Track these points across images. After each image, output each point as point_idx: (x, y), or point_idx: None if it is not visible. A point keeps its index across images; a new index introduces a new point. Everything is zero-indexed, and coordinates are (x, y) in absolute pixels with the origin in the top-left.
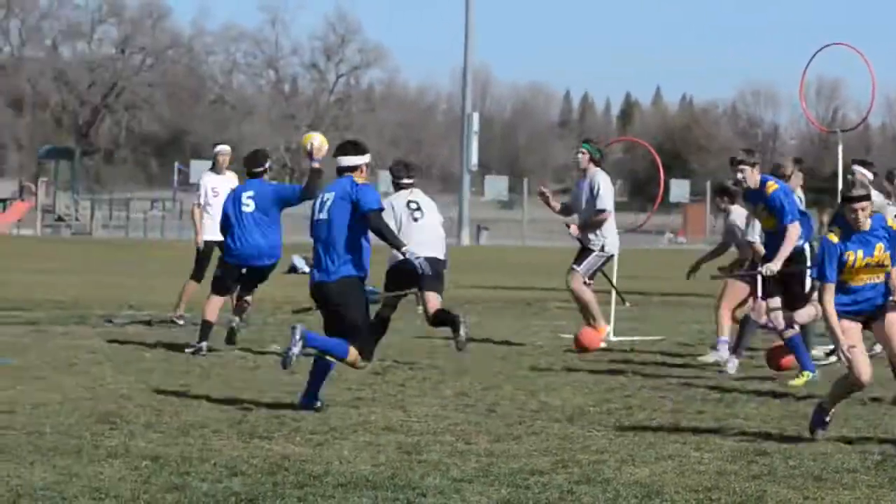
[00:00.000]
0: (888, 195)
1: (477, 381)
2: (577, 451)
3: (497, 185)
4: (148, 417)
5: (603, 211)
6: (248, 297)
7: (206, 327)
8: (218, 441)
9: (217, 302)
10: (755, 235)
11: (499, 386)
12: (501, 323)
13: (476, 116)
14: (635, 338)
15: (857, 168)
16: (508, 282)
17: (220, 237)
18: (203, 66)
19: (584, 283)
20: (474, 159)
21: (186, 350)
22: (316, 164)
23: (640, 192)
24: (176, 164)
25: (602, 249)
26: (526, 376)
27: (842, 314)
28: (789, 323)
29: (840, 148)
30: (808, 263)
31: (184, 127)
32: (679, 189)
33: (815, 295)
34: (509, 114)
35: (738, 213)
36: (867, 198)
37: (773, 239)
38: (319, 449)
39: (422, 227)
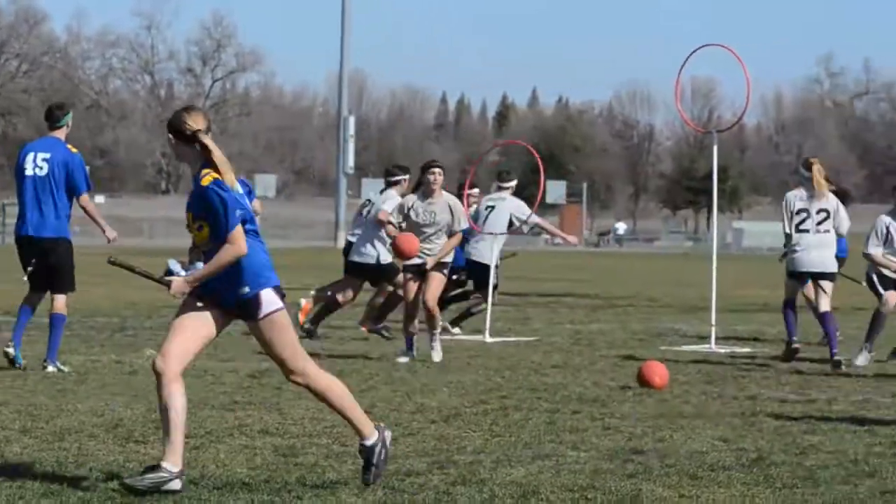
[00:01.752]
0: (801, 182)
1: (353, 383)
2: (454, 451)
3: (373, 188)
4: (23, 423)
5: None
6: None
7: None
8: (94, 446)
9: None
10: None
11: (375, 388)
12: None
13: (352, 120)
14: (511, 339)
15: None
16: None
17: None
18: (79, 72)
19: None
20: (351, 162)
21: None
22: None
23: (518, 194)
24: None
25: None
26: (402, 378)
27: None
28: None
29: (715, 148)
30: None
31: None
32: (555, 190)
33: None
34: (385, 117)
35: None
36: None
37: None
38: (195, 452)
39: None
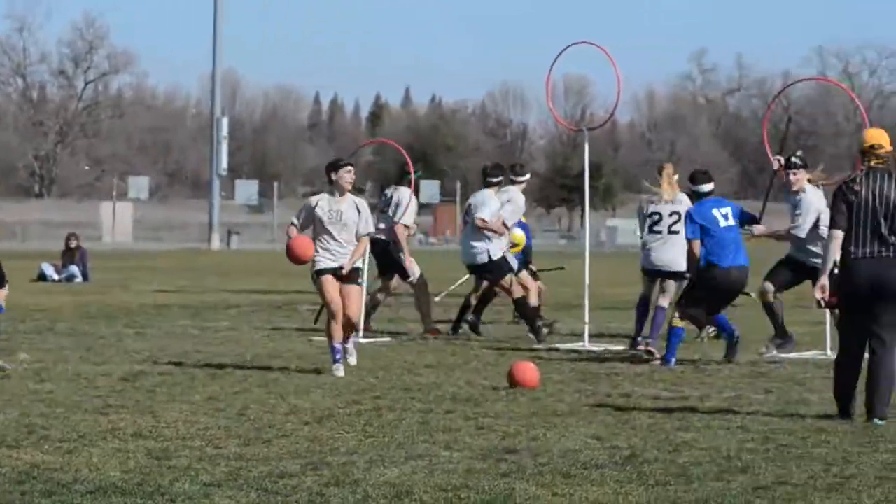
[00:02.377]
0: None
1: (227, 385)
2: (327, 453)
3: (247, 190)
4: None
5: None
6: None
7: None
8: None
9: None
10: None
11: (249, 390)
12: (252, 327)
13: (225, 121)
14: (385, 339)
15: None
16: (259, 285)
17: None
18: None
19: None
20: (224, 164)
21: None
22: None
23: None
24: None
25: None
26: (276, 379)
27: None
28: None
29: (587, 146)
30: None
31: None
32: (429, 189)
33: None
34: (259, 118)
35: None
36: None
37: None
38: (68, 457)
39: None
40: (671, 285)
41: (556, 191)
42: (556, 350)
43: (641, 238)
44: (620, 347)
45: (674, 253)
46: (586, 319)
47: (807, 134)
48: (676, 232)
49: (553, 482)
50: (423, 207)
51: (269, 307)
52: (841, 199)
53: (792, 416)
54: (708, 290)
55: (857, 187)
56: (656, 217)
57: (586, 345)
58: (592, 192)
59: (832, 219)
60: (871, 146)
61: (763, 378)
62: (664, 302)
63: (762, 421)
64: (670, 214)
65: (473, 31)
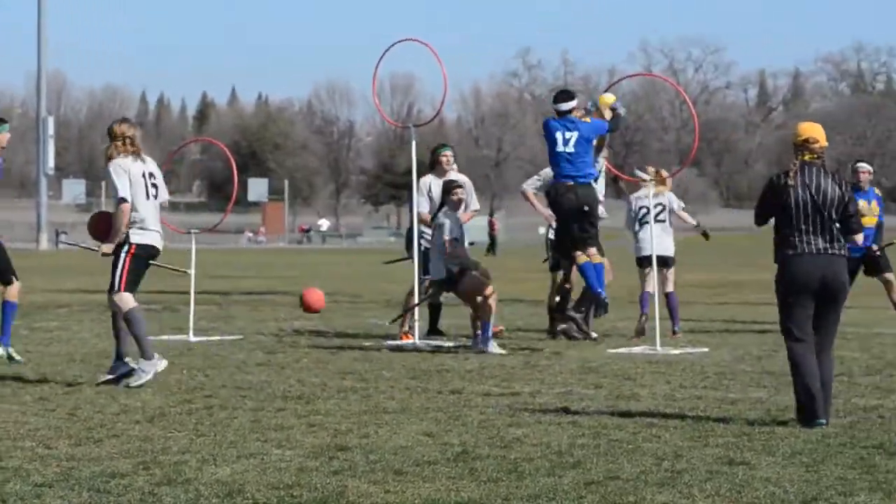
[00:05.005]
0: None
1: (57, 385)
2: (158, 452)
3: (74, 189)
4: None
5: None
6: None
7: None
8: None
9: None
10: None
11: (79, 390)
12: (82, 326)
13: (51, 120)
14: (215, 337)
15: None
16: (88, 285)
17: None
18: None
19: None
20: (51, 163)
21: None
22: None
23: (218, 192)
24: None
25: None
26: (107, 379)
27: None
28: None
29: (414, 143)
30: None
31: None
32: (258, 188)
33: None
34: (85, 117)
35: None
36: None
37: None
38: None
39: None
40: (669, 271)
41: (384, 188)
42: (387, 347)
43: (632, 231)
44: (451, 344)
45: (663, 239)
46: (416, 317)
47: (633, 130)
48: (663, 221)
49: (385, 479)
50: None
51: (98, 307)
52: (771, 194)
53: (623, 411)
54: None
55: (790, 182)
56: (644, 210)
57: (417, 342)
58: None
59: (757, 213)
60: (806, 140)
61: (593, 373)
62: (670, 287)
63: (593, 416)
64: (656, 206)
65: (299, 29)
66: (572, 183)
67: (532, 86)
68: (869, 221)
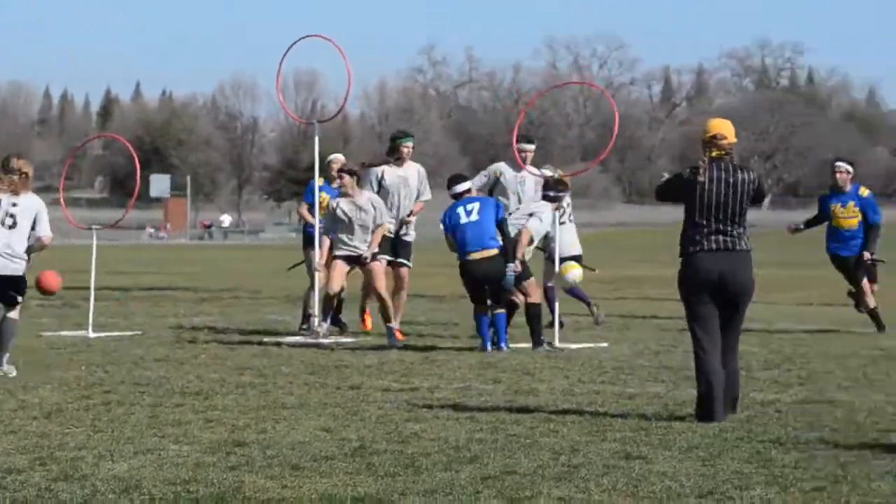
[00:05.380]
0: None
1: None
2: (55, 448)
3: None
4: None
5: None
6: None
7: None
8: None
9: None
10: None
11: None
12: None
13: None
14: (114, 333)
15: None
16: None
17: None
18: None
19: None
20: None
21: None
22: None
23: (121, 188)
24: None
25: None
26: (1, 376)
27: None
28: None
29: (317, 139)
30: None
31: None
32: (160, 184)
33: None
34: None
35: None
36: None
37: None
38: None
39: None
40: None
41: (287, 184)
42: (286, 342)
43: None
44: (350, 339)
45: (573, 238)
46: (316, 312)
47: (536, 125)
48: (570, 221)
49: (282, 474)
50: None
51: None
52: (679, 184)
53: (521, 405)
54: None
55: (700, 178)
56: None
57: (318, 339)
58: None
59: (661, 189)
60: (714, 136)
61: (492, 368)
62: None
63: (491, 411)
64: (567, 205)
65: (204, 25)
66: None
67: (437, 81)
68: (847, 224)
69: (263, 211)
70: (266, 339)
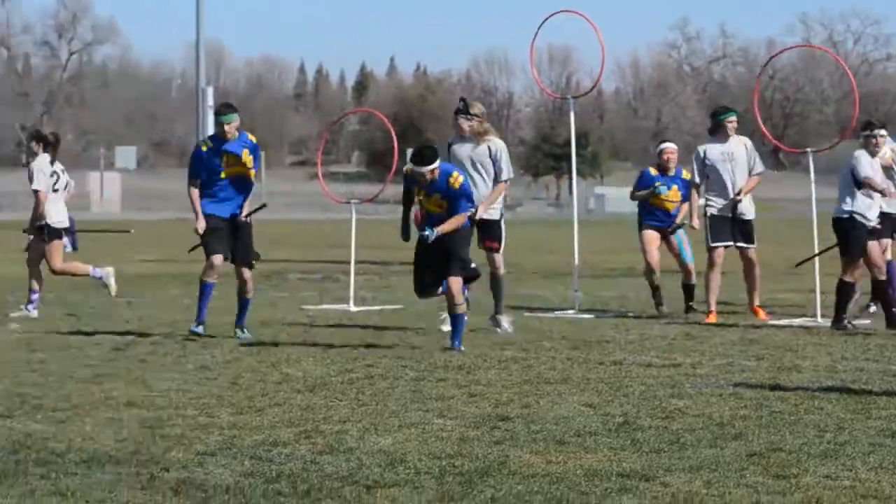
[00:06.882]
0: None
1: (219, 353)
2: (320, 421)
3: None
4: None
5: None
6: None
7: None
8: None
9: None
10: None
11: (240, 359)
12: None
13: (211, 91)
14: (376, 307)
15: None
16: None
17: None
18: None
19: None
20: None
21: None
22: None
23: (378, 162)
24: None
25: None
26: (268, 348)
27: None
28: None
29: (572, 114)
30: None
31: None
32: None
33: None
34: (244, 87)
35: None
36: None
37: None
38: (62, 426)
39: None
40: None
41: (544, 159)
42: (547, 318)
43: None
44: (611, 315)
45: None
46: (576, 287)
47: (792, 101)
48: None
49: (547, 449)
50: None
51: (258, 276)
52: None
53: (784, 383)
54: None
55: None
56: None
57: (577, 313)
58: (579, 160)
59: None
60: None
61: (755, 345)
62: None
63: (754, 388)
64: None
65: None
66: None
67: (691, 57)
68: None
69: (520, 185)
70: (528, 314)
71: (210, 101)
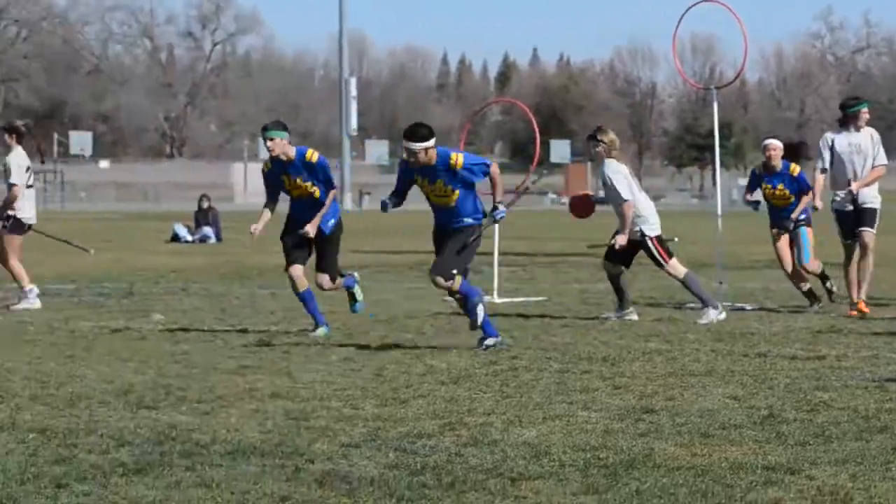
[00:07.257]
0: None
1: (362, 345)
2: (464, 413)
3: (377, 149)
4: (33, 390)
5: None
6: None
7: None
8: (104, 412)
9: None
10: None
11: (384, 350)
12: (386, 287)
13: (353, 81)
14: (519, 298)
15: None
16: (392, 246)
17: None
18: (78, 37)
19: None
20: (354, 124)
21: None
22: None
23: (521, 153)
24: (55, 135)
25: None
26: (412, 340)
27: None
28: None
29: (715, 105)
30: None
31: (61, 98)
32: (560, 149)
33: None
34: (387, 77)
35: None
36: None
37: None
38: (206, 417)
39: None
40: None
41: (687, 150)
42: (689, 309)
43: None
44: (755, 307)
45: None
46: (720, 279)
47: None
48: None
49: (692, 442)
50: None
51: (401, 267)
52: None
53: None
54: None
55: None
56: None
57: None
58: (723, 150)
59: None
60: None
61: None
62: None
63: None
64: None
65: None
66: None
67: (834, 47)
68: None
69: (664, 177)
70: (671, 305)
71: (353, 92)
